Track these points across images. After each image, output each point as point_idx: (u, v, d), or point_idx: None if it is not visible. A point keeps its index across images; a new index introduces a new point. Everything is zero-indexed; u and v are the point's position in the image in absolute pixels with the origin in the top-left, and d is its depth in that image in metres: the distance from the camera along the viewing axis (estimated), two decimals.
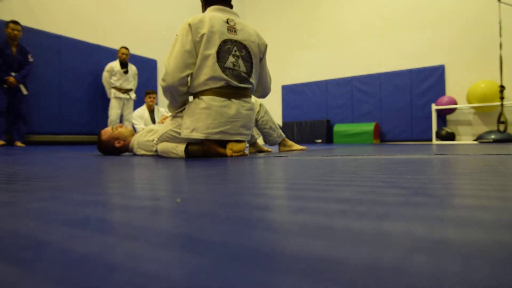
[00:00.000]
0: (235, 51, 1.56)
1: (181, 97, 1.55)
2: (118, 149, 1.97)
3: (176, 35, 1.51)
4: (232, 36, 1.55)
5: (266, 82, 1.81)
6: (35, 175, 0.80)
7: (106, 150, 1.98)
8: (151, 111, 4.60)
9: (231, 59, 1.54)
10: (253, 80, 1.63)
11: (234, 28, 1.58)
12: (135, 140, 1.96)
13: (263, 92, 1.84)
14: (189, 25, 1.48)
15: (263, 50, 1.71)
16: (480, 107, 5.09)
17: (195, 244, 0.24)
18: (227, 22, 1.57)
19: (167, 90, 1.51)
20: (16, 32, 3.86)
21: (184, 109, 1.60)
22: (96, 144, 2.10)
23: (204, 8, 1.70)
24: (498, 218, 0.30)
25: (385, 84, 6.12)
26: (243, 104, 1.57)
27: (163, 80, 1.49)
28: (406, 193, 0.44)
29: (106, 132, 1.97)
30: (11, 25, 3.84)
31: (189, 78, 1.55)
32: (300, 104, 7.12)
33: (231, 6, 1.69)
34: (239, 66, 1.57)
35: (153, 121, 4.53)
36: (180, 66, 1.47)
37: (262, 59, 1.72)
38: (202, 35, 1.48)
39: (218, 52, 1.50)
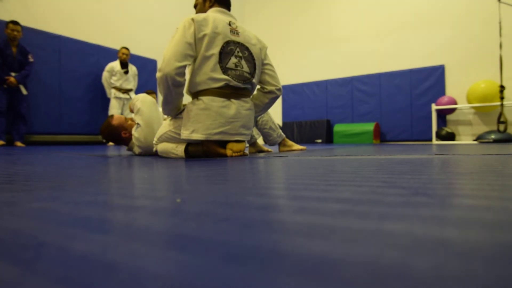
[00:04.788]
0: (238, 52, 1.56)
1: (177, 89, 1.46)
2: (121, 139, 1.97)
3: (177, 28, 1.50)
4: (234, 38, 1.56)
5: (274, 76, 1.77)
6: (35, 175, 0.80)
7: (109, 135, 1.97)
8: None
9: (233, 59, 1.53)
10: (255, 80, 1.64)
11: (237, 30, 1.59)
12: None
13: (276, 83, 1.76)
14: (192, 19, 1.47)
15: (264, 52, 1.73)
16: (480, 107, 5.09)
17: (195, 244, 0.24)
18: (230, 24, 1.57)
19: (163, 81, 1.43)
20: (15, 32, 3.86)
21: (183, 110, 1.59)
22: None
23: (201, 9, 1.69)
24: (498, 218, 0.30)
25: (385, 84, 6.12)
26: (242, 104, 1.57)
27: (159, 70, 1.42)
28: (406, 193, 0.44)
29: (119, 119, 1.98)
30: (11, 25, 3.84)
31: (187, 76, 1.53)
32: (300, 104, 7.12)
33: (229, 10, 1.70)
34: (242, 67, 1.57)
35: None
36: (178, 55, 1.41)
37: (263, 60, 1.72)
38: (204, 35, 1.47)
39: (220, 53, 1.50)
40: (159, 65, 1.46)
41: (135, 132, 1.84)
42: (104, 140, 5.15)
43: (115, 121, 1.96)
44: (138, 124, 1.82)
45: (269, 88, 1.74)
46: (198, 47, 1.48)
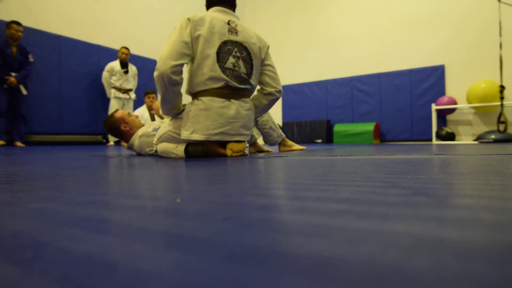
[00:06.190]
0: (236, 52, 1.55)
1: (173, 87, 1.47)
2: (121, 132, 2.01)
3: (174, 28, 1.51)
4: (233, 37, 1.55)
5: (275, 77, 1.74)
6: (35, 175, 0.80)
7: (110, 127, 2.03)
8: (151, 111, 4.61)
9: (231, 59, 1.53)
10: (253, 81, 1.62)
11: (235, 29, 1.58)
12: (136, 138, 1.95)
13: (276, 85, 1.73)
14: (189, 19, 1.47)
15: (265, 51, 1.70)
16: (480, 107, 5.09)
17: (195, 244, 0.24)
18: (228, 24, 1.56)
19: (160, 80, 1.44)
20: (19, 33, 3.87)
21: (183, 110, 1.59)
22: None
23: (207, 8, 1.69)
24: (498, 218, 0.30)
25: (385, 84, 6.11)
26: (242, 104, 1.57)
27: (156, 69, 1.43)
28: (406, 193, 0.44)
29: (121, 113, 2.05)
30: (14, 26, 3.83)
31: (186, 76, 1.53)
32: (300, 104, 7.12)
33: (233, 9, 1.68)
34: (239, 67, 1.56)
35: (153, 121, 4.54)
36: (174, 53, 1.42)
37: (264, 60, 1.70)
38: (199, 35, 1.47)
39: (218, 53, 1.49)
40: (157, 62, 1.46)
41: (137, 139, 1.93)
42: (104, 140, 5.17)
43: (117, 114, 2.04)
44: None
45: (269, 89, 1.72)
46: (195, 46, 1.48)
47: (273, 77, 1.73)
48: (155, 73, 1.44)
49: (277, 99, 1.77)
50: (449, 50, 5.63)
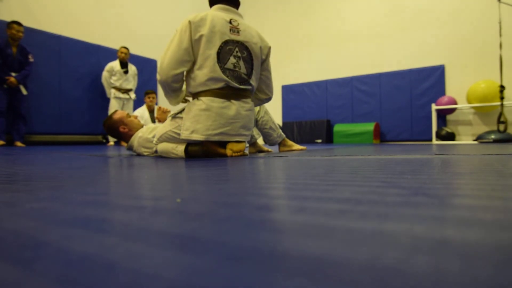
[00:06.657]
0: (237, 52, 1.55)
1: (174, 92, 1.59)
2: (120, 134, 2.01)
3: (176, 30, 1.51)
4: (234, 37, 1.55)
5: (270, 85, 1.78)
6: (35, 175, 0.80)
7: (109, 129, 2.04)
8: (151, 111, 4.61)
9: (232, 60, 1.53)
10: (253, 82, 1.62)
11: (237, 28, 1.57)
12: (135, 138, 1.95)
13: (269, 92, 1.80)
14: (189, 22, 1.47)
15: (265, 52, 1.69)
16: (480, 107, 5.09)
17: (195, 244, 0.24)
18: (230, 22, 1.55)
19: (162, 85, 1.56)
20: (20, 33, 3.88)
21: (183, 109, 1.60)
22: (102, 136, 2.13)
23: (211, 5, 1.68)
24: (498, 218, 0.30)
25: (385, 84, 6.11)
26: (242, 104, 1.57)
27: (158, 73, 1.53)
28: (406, 193, 0.44)
29: (120, 114, 2.05)
30: (15, 26, 3.83)
31: (185, 75, 1.57)
32: (300, 104, 7.11)
33: (237, 7, 1.68)
34: (240, 68, 1.56)
35: (153, 121, 4.54)
36: (174, 63, 1.47)
37: (264, 61, 1.70)
38: (201, 36, 1.47)
39: (218, 53, 1.49)
40: (158, 65, 1.53)
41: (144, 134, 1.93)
42: (104, 140, 5.17)
43: (116, 115, 2.04)
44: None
45: (262, 97, 1.81)
46: (196, 48, 1.48)
47: (268, 85, 1.80)
48: (158, 77, 1.54)
49: (265, 103, 1.89)
50: (449, 50, 5.63)
